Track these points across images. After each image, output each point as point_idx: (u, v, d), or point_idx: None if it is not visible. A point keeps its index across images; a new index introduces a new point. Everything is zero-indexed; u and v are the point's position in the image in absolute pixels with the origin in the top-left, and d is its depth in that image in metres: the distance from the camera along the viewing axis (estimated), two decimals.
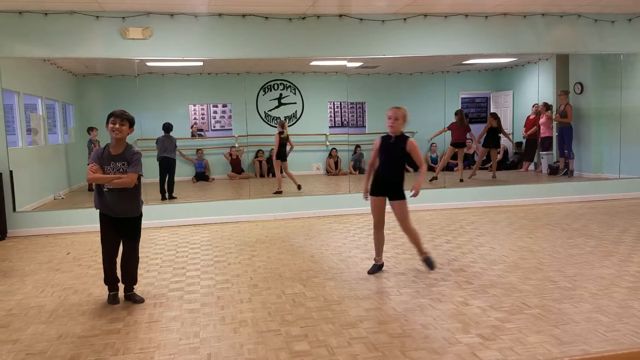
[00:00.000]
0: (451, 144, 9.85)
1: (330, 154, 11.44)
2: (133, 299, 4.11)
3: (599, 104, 9.64)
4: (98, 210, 4.04)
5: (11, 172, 6.85)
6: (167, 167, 8.39)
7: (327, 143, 11.56)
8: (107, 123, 3.90)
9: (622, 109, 8.94)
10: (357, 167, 11.60)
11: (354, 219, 7.44)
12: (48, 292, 4.42)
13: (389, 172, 4.53)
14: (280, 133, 9.08)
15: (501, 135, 10.20)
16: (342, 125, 11.84)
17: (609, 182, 8.89)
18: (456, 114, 9.82)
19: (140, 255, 5.55)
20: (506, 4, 7.33)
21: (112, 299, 4.09)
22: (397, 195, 4.54)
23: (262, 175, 11.08)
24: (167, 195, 8.31)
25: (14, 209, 6.89)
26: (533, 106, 10.41)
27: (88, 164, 3.91)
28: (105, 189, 3.92)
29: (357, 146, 11.65)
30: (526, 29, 8.03)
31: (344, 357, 3.03)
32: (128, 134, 3.96)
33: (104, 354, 3.17)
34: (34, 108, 8.08)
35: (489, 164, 11.47)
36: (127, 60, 7.10)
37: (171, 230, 6.93)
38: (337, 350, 3.11)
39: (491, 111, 11.98)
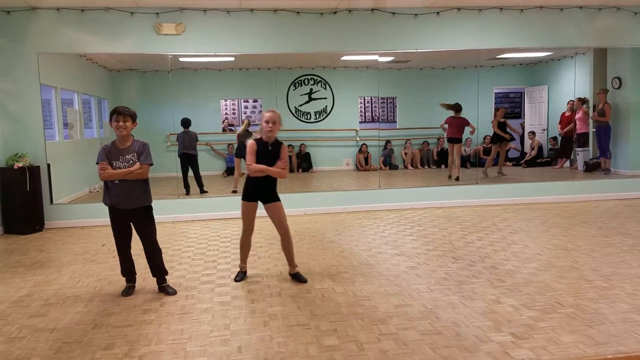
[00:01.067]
0: (447, 140, 9.72)
1: (360, 150, 11.40)
2: (166, 290, 4.19)
3: (638, 99, 9.31)
4: (107, 207, 4.09)
5: (49, 165, 7.06)
6: (188, 162, 8.46)
7: (357, 138, 11.52)
8: (111, 120, 3.94)
9: None
10: (388, 162, 11.52)
11: (384, 214, 7.40)
12: (84, 283, 4.54)
13: (267, 177, 4.29)
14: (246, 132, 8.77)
15: (509, 130, 10.01)
16: (373, 121, 11.77)
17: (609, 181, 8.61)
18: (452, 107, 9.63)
19: (172, 248, 5.69)
20: None
21: (126, 291, 4.19)
22: (273, 197, 4.35)
23: (291, 170, 11.11)
24: (198, 190, 8.43)
25: (51, 201, 7.10)
26: (568, 103, 10.14)
27: (97, 163, 3.97)
28: (115, 182, 3.98)
29: (388, 141, 11.57)
30: (563, 22, 7.82)
31: (373, 352, 3.02)
32: (132, 129, 4.01)
33: (138, 344, 3.24)
34: (70, 103, 8.30)
35: (522, 160, 11.26)
36: (161, 56, 7.21)
37: (202, 224, 7.03)
38: (367, 345, 3.11)
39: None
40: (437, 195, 8.02)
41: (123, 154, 4.00)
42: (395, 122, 11.85)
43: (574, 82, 9.97)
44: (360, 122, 11.71)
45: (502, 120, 9.97)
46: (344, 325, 3.41)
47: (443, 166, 11.60)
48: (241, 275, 4.51)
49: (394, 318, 3.52)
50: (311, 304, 3.83)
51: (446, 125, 9.82)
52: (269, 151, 4.28)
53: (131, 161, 3.99)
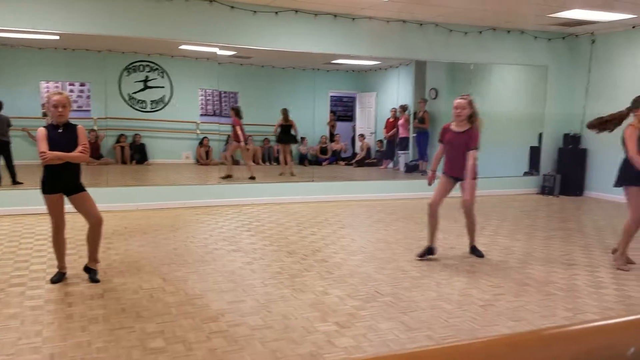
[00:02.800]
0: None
1: (201, 143, 11.14)
2: None
3: (450, 109, 10.53)
4: None
5: None
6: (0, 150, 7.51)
7: (198, 131, 11.25)
8: None
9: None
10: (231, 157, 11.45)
11: (223, 210, 7.33)
12: None
13: (68, 165, 3.96)
14: None
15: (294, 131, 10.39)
16: (215, 114, 11.59)
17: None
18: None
19: None
20: (371, 8, 7.68)
21: None
22: (77, 187, 4.06)
23: (124, 162, 10.45)
24: (10, 180, 7.48)
25: None
26: (391, 109, 11.12)
27: None
28: None
29: (229, 136, 11.48)
30: (389, 34, 8.49)
31: (202, 352, 2.97)
32: None
33: None
34: None
35: (353, 160, 12.02)
36: None
37: (14, 219, 6.26)
38: (195, 345, 3.05)
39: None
40: (276, 192, 8.19)
41: None
42: None
43: (398, 90, 10.96)
44: (201, 114, 11.45)
45: (283, 122, 10.19)
46: (172, 326, 3.30)
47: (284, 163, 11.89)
48: (59, 276, 4.11)
49: (225, 315, 3.51)
50: (137, 306, 3.64)
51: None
52: (60, 135, 3.93)
53: None
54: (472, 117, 4.83)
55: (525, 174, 10.12)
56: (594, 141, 9.40)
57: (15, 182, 7.49)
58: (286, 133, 10.17)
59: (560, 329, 0.65)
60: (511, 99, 10.43)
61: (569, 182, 9.55)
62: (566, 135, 9.70)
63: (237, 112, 9.58)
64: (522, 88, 10.46)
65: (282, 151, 10.25)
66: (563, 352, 0.62)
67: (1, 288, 3.88)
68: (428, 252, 5.03)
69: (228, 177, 8.89)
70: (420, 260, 4.95)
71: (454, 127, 4.91)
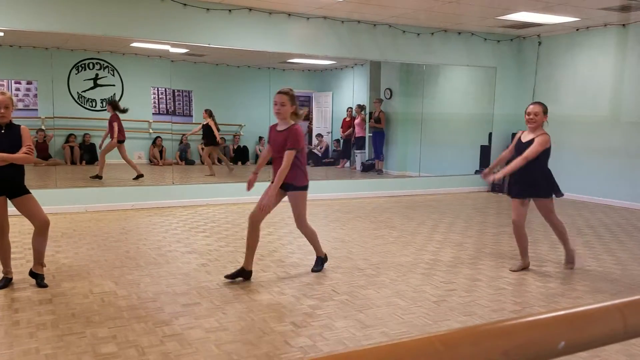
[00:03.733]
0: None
1: (154, 143, 10.90)
2: None
3: (404, 109, 10.75)
4: None
5: None
6: None
7: (151, 131, 10.99)
8: None
9: (423, 114, 10.08)
10: (184, 157, 11.26)
11: (177, 211, 7.21)
12: None
13: (11, 167, 3.79)
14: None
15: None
16: (168, 113, 11.36)
17: (411, 180, 9.97)
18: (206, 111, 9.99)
19: None
20: (325, 7, 7.71)
21: None
22: (21, 190, 3.88)
23: (73, 162, 10.11)
24: None
25: None
26: (348, 109, 11.21)
27: None
28: None
29: (183, 135, 11.30)
30: (342, 34, 8.55)
31: (155, 356, 2.92)
32: None
33: None
34: None
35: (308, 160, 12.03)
36: None
37: None
38: (148, 349, 2.99)
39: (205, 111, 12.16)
40: (233, 192, 8.11)
41: None
42: (192, 116, 11.63)
43: (353, 90, 11.06)
44: (153, 113, 11.19)
45: (208, 123, 10.10)
46: (124, 331, 3.23)
47: (240, 163, 11.80)
48: (4, 282, 3.95)
49: (179, 318, 3.46)
50: (88, 310, 3.54)
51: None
52: (3, 136, 3.77)
53: None
54: (295, 115, 4.25)
55: (477, 172, 10.41)
56: None
57: None
58: (211, 134, 10.02)
59: (493, 325, 0.69)
60: (462, 100, 10.71)
61: None
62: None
63: (115, 107, 9.29)
64: (472, 89, 10.75)
65: (209, 153, 10.10)
66: (494, 347, 0.65)
67: None
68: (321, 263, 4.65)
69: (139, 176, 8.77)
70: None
71: (278, 126, 4.30)
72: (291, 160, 4.15)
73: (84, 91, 10.19)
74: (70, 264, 4.60)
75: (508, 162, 4.69)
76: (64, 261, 4.66)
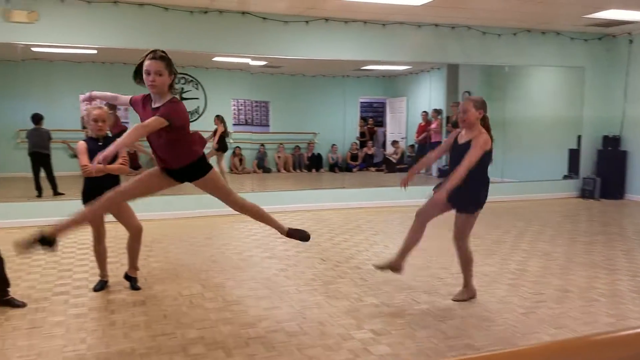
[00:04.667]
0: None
1: (234, 152, 11.30)
2: (12, 303, 3.78)
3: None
4: None
5: None
6: (39, 162, 7.70)
7: (231, 141, 11.40)
8: None
9: (506, 118, 9.71)
10: (261, 165, 11.57)
11: None
12: None
13: (108, 177, 4.00)
14: None
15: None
16: (246, 124, 11.74)
17: (493, 186, 9.47)
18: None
19: (20, 256, 5.15)
20: (402, 13, 7.67)
21: None
22: None
23: None
24: (51, 192, 7.74)
25: None
26: (422, 113, 11.01)
27: None
28: None
29: (261, 145, 11.62)
30: (420, 38, 8.45)
31: (241, 357, 3.01)
32: None
33: None
34: None
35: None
36: (10, 45, 6.51)
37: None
38: (235, 351, 3.09)
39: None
40: (308, 199, 8.22)
41: None
42: (269, 125, 11.95)
43: (430, 95, 10.86)
44: (233, 124, 11.60)
45: (222, 129, 9.76)
46: (212, 332, 3.36)
47: (314, 170, 11.94)
48: (101, 285, 4.23)
49: (262, 321, 3.54)
50: (178, 312, 3.71)
51: None
52: (100, 148, 3.97)
53: None
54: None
55: (565, 177, 9.89)
56: (634, 143, 9.14)
57: (56, 193, 7.74)
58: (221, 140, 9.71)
59: (607, 335, 0.65)
60: (548, 102, 10.20)
61: (609, 185, 9.28)
62: (605, 137, 9.44)
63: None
64: (558, 90, 10.23)
65: (220, 160, 9.65)
66: (609, 357, 0.61)
67: (46, 297, 4.01)
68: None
69: None
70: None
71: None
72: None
73: None
74: (161, 267, 4.85)
75: (450, 166, 3.93)
76: (154, 265, 4.92)
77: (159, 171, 3.43)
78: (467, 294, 4.05)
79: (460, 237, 4.02)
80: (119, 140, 3.02)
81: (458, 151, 3.84)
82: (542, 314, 3.73)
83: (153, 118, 3.06)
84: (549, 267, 4.95)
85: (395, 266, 4.12)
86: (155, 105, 3.25)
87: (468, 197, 3.84)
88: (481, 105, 3.86)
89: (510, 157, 9.73)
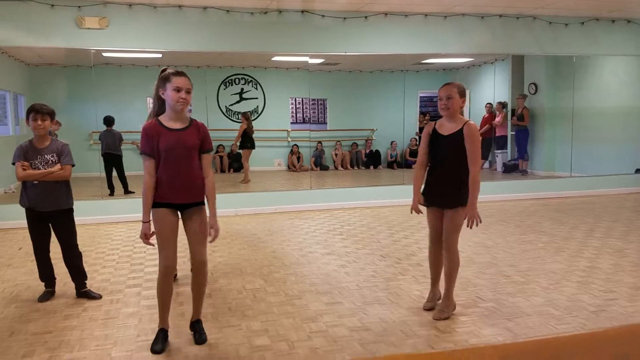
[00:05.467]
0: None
1: (292, 150, 11.44)
2: (88, 295, 4.02)
3: (552, 104, 9.99)
4: (24, 208, 3.90)
5: None
6: (112, 163, 8.13)
7: (289, 139, 11.56)
8: (28, 119, 3.76)
9: (574, 109, 9.29)
10: (319, 163, 11.65)
11: (315, 214, 7.47)
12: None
13: None
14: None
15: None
16: (304, 122, 11.86)
17: (561, 180, 9.23)
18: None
19: (95, 251, 5.46)
20: (465, 4, 7.49)
21: (45, 296, 3.99)
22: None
23: (222, 171, 10.98)
24: (122, 190, 8.14)
25: None
26: (486, 105, 10.68)
27: (13, 163, 3.79)
28: (35, 183, 3.80)
29: (319, 142, 11.70)
30: (484, 29, 8.23)
31: (304, 350, 3.05)
32: (51, 127, 3.86)
33: (59, 350, 3.09)
34: None
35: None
36: (83, 51, 6.89)
37: (128, 226, 6.79)
38: (297, 344, 3.14)
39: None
40: (366, 196, 8.20)
41: (42, 154, 3.81)
42: (326, 123, 12.02)
43: (494, 87, 10.54)
44: (291, 122, 11.76)
45: (246, 126, 9.74)
46: (275, 325, 3.43)
47: (372, 167, 11.90)
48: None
49: (324, 316, 3.58)
50: (242, 305, 3.81)
51: None
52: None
53: (50, 162, 3.82)
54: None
55: (637, 171, 9.34)
56: None
57: (127, 191, 8.14)
58: (247, 138, 9.77)
59: None
60: (619, 92, 9.67)
61: None
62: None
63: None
64: (630, 80, 9.66)
65: (246, 158, 9.75)
66: None
67: (119, 289, 4.23)
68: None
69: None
70: None
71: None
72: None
73: (231, 105, 11.04)
74: (225, 262, 5.00)
75: (433, 161, 3.56)
76: (219, 260, 5.08)
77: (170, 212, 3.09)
78: (451, 307, 3.58)
79: (453, 237, 3.57)
80: None
81: (445, 144, 3.45)
82: (613, 312, 3.56)
83: (209, 156, 3.14)
84: (621, 264, 4.70)
85: (429, 307, 3.69)
86: (177, 126, 3.07)
87: (459, 190, 3.48)
88: (464, 93, 3.45)
89: (580, 150, 9.31)
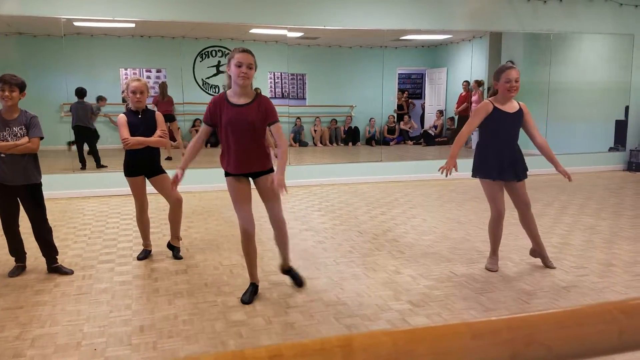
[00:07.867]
0: None
1: None
2: (60, 270, 3.95)
3: (529, 80, 10.07)
4: None
5: None
6: (83, 135, 7.91)
7: None
8: None
9: (550, 87, 9.38)
10: (298, 139, 11.58)
11: (293, 191, 7.44)
12: None
13: (148, 149, 4.10)
14: None
15: None
16: (283, 97, 11.73)
17: (535, 158, 9.31)
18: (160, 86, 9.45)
19: (67, 226, 5.36)
20: None
21: (15, 271, 3.92)
22: (158, 170, 4.21)
23: None
24: (94, 164, 7.97)
25: None
26: (463, 83, 10.71)
27: None
28: (2, 155, 3.69)
29: (298, 118, 11.61)
30: (462, 6, 8.20)
31: (280, 325, 3.06)
32: (20, 99, 3.72)
33: (30, 326, 3.04)
34: None
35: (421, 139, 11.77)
36: (53, 19, 6.65)
37: (101, 201, 6.67)
38: (274, 319, 3.15)
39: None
40: (344, 172, 8.21)
41: (10, 126, 3.68)
42: (305, 99, 11.90)
43: (471, 64, 10.56)
44: (270, 97, 11.58)
45: None
46: None
47: (350, 144, 11.89)
48: (144, 254, 4.36)
49: (301, 291, 3.59)
50: (219, 281, 3.80)
51: None
52: (140, 120, 4.09)
53: (18, 134, 3.69)
54: None
55: (611, 149, 9.54)
56: None
57: (99, 165, 7.97)
58: None
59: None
60: (594, 71, 9.79)
61: None
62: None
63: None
64: (606, 59, 9.79)
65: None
66: None
67: (92, 265, 4.17)
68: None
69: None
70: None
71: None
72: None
73: (208, 78, 10.82)
74: (202, 238, 4.96)
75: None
76: (195, 235, 5.04)
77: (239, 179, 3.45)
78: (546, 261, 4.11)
79: (527, 199, 4.14)
80: None
81: (517, 121, 3.99)
82: (584, 287, 3.65)
83: (276, 126, 3.37)
84: (593, 241, 4.82)
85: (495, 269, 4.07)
86: (240, 102, 3.28)
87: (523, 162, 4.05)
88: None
89: (554, 127, 9.43)
